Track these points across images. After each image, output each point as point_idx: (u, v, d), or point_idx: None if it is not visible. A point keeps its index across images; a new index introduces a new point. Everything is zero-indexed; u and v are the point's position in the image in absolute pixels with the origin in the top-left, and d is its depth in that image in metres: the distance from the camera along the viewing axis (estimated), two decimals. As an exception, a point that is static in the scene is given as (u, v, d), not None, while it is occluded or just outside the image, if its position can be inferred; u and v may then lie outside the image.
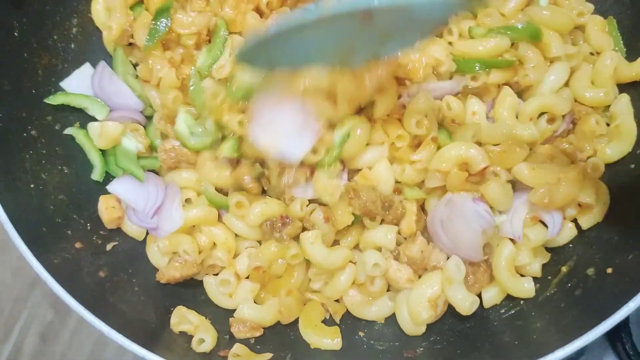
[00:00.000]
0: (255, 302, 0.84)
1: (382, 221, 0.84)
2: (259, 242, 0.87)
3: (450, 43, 0.87)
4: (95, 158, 0.90)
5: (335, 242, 0.85)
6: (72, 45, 0.96)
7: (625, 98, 0.87)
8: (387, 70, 0.78)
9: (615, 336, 0.94)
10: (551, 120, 0.86)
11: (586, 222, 0.84)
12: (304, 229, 0.84)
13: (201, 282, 0.86)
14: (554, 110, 0.85)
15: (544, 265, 0.83)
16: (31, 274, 1.02)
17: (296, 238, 0.83)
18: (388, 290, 0.86)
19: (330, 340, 0.81)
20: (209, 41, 0.90)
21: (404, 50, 0.70)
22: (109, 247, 0.86)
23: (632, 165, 0.85)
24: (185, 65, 0.90)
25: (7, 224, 0.73)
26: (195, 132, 0.86)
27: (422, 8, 0.59)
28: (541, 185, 0.78)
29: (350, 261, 0.84)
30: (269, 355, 0.78)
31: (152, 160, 0.91)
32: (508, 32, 0.86)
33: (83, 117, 0.93)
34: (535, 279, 0.82)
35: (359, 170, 0.84)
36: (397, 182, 0.84)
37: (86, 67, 0.96)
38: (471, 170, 0.80)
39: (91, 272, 0.80)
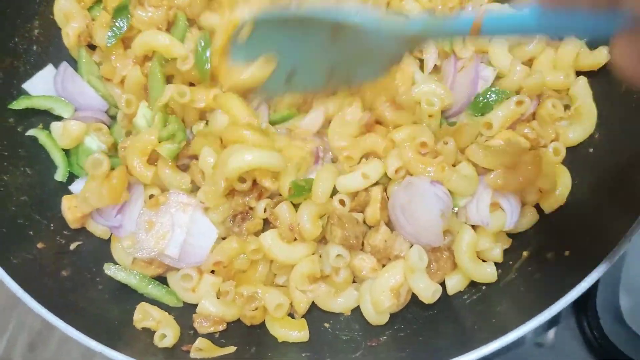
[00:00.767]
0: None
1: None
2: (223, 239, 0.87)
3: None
4: (58, 158, 0.90)
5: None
6: (34, 47, 0.96)
7: (583, 80, 0.88)
8: None
9: (581, 318, 0.95)
10: (519, 103, 0.86)
11: (548, 207, 0.84)
12: (269, 222, 0.84)
13: (166, 279, 0.86)
14: (528, 90, 0.86)
15: (505, 251, 0.84)
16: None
17: (258, 233, 0.83)
18: (354, 282, 0.86)
19: (297, 332, 0.81)
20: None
21: (373, 78, 0.69)
22: (72, 246, 0.86)
23: (591, 150, 0.86)
24: (149, 61, 0.90)
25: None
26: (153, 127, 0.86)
27: (385, 35, 0.60)
28: (496, 167, 0.79)
29: (314, 253, 0.84)
30: (233, 348, 0.78)
31: (115, 159, 0.91)
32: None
33: (46, 119, 0.93)
34: (496, 264, 0.82)
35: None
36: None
37: (49, 69, 0.96)
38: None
39: (53, 272, 0.80)
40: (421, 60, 0.92)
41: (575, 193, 0.84)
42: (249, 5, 0.82)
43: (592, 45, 0.89)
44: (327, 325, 0.84)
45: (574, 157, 0.86)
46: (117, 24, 0.89)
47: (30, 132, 0.90)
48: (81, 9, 0.93)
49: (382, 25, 0.60)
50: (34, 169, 0.89)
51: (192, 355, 0.76)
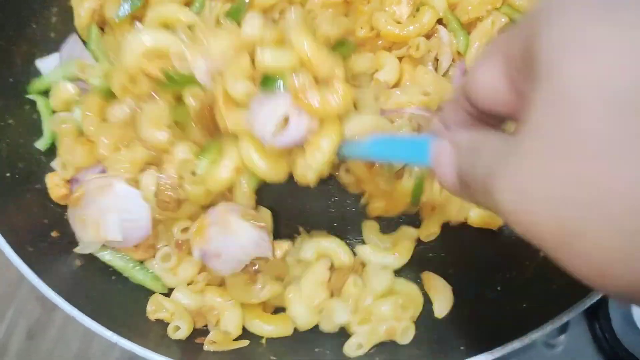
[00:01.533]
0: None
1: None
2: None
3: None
4: (46, 127, 0.89)
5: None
6: (52, 34, 0.95)
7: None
8: None
9: (593, 320, 0.95)
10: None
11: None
12: None
13: (181, 270, 0.86)
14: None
15: (522, 250, 0.83)
16: (17, 270, 1.02)
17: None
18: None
19: (282, 326, 0.80)
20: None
21: None
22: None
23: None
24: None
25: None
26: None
27: None
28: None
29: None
30: (246, 342, 0.78)
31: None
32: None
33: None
34: (512, 263, 0.82)
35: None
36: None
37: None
38: None
39: (68, 261, 0.80)
40: (437, 60, 0.93)
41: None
42: None
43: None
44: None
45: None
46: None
47: (31, 96, 0.89)
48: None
49: None
50: (49, 157, 0.89)
51: (206, 347, 0.76)
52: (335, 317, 0.79)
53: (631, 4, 0.29)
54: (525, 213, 0.32)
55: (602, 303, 0.93)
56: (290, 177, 0.77)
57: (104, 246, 0.82)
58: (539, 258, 0.81)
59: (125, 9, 0.87)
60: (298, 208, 0.91)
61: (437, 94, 0.87)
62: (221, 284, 0.82)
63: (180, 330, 0.76)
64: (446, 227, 0.89)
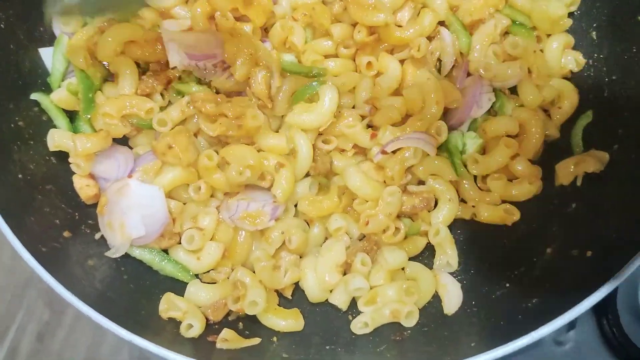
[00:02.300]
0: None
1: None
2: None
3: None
4: (62, 124, 0.91)
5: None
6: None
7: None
8: None
9: (602, 318, 0.95)
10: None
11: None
12: None
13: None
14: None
15: (528, 247, 0.84)
16: (25, 273, 1.03)
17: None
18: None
19: (293, 321, 0.82)
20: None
21: None
22: (97, 236, 0.86)
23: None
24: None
25: (-1, 219, 0.73)
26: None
27: None
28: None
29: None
30: (258, 340, 0.78)
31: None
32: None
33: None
34: (519, 260, 0.82)
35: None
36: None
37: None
38: None
39: (80, 261, 0.80)
40: (440, 61, 0.95)
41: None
42: None
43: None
44: (350, 318, 0.85)
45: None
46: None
47: (34, 96, 0.90)
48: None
49: None
50: (59, 158, 0.89)
51: (218, 345, 0.77)
52: (350, 285, 0.82)
53: None
54: None
55: (611, 300, 0.93)
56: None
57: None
58: (547, 254, 0.82)
59: None
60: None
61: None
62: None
63: (192, 328, 0.77)
64: (454, 223, 0.90)
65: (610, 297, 0.93)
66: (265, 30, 0.95)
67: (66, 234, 0.82)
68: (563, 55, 0.95)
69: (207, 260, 0.85)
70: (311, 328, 0.83)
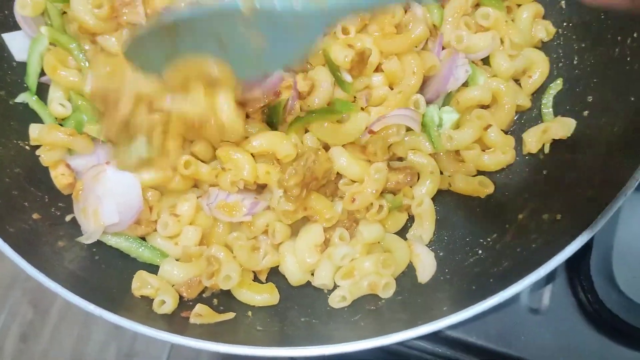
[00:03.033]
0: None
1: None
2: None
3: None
4: (49, 122, 0.89)
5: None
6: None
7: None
8: None
9: (575, 284, 0.96)
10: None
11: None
12: None
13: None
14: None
15: (501, 213, 0.85)
16: (8, 274, 1.01)
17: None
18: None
19: (268, 295, 0.82)
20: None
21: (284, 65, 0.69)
22: (68, 218, 0.85)
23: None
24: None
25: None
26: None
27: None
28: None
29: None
30: (232, 314, 0.78)
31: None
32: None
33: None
34: (492, 226, 0.83)
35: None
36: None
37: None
38: None
39: (50, 242, 0.80)
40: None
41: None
42: None
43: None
44: (326, 291, 0.85)
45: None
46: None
47: (19, 99, 0.89)
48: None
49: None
50: (27, 141, 0.88)
51: (192, 320, 0.76)
52: (335, 255, 0.82)
53: None
54: None
55: (584, 266, 0.94)
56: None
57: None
58: (518, 220, 0.83)
59: None
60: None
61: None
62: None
63: (165, 304, 0.77)
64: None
65: (584, 264, 0.94)
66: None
67: (35, 215, 0.81)
68: (533, 25, 0.95)
69: (185, 245, 0.84)
70: (286, 302, 0.83)
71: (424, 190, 0.88)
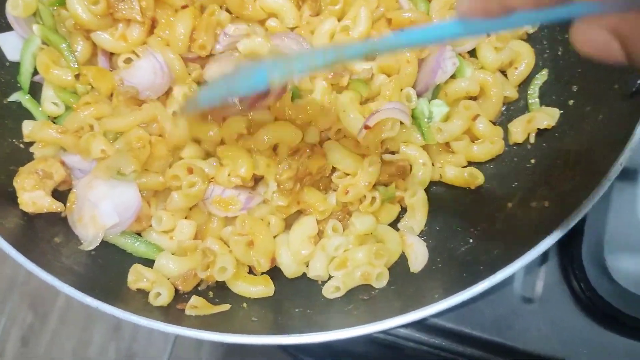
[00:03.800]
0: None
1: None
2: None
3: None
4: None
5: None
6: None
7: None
8: None
9: (568, 272, 0.97)
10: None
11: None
12: None
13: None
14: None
15: (490, 202, 0.86)
16: (5, 278, 1.01)
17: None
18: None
19: (264, 287, 0.83)
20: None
21: None
22: (64, 214, 0.86)
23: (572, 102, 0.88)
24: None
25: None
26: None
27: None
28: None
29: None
30: (227, 306, 0.79)
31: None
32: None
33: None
34: (483, 215, 0.84)
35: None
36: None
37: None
38: None
39: (46, 238, 0.80)
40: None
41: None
42: None
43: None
44: (319, 282, 0.86)
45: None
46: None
47: (13, 98, 0.90)
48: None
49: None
50: (22, 139, 0.89)
51: (188, 312, 0.77)
52: (329, 246, 0.83)
53: None
54: None
55: (576, 255, 0.95)
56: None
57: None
58: (507, 209, 0.84)
59: None
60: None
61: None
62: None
63: (161, 296, 0.78)
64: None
65: (576, 252, 0.95)
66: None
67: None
68: (519, 17, 0.97)
69: (180, 239, 0.85)
70: (281, 294, 0.84)
71: (417, 181, 0.89)
